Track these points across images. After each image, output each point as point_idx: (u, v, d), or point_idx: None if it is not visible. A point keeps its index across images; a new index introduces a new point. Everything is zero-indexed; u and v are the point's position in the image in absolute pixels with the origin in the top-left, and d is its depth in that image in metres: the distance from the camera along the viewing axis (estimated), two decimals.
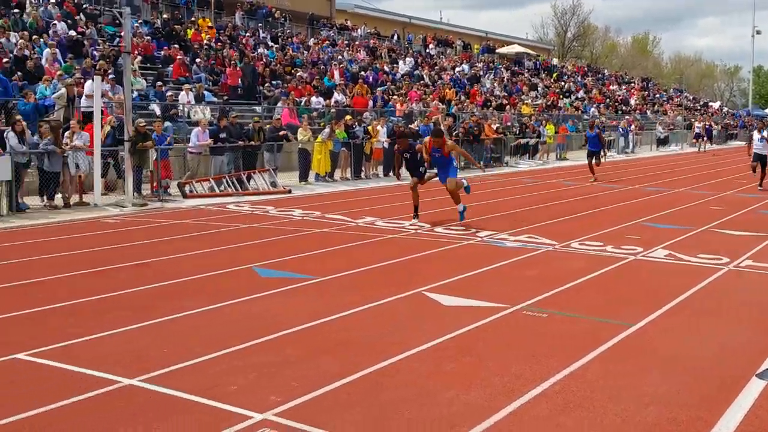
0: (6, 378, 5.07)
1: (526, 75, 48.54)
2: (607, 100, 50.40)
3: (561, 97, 45.57)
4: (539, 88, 45.48)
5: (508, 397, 4.79)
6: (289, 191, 17.49)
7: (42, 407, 4.54)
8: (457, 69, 41.29)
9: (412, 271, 8.80)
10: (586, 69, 60.15)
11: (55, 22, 23.63)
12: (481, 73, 43.42)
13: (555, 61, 62.03)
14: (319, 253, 9.85)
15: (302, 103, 25.61)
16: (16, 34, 21.24)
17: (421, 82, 35.57)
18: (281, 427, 4.28)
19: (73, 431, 4.26)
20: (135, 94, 18.20)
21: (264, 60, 29.17)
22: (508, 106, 36.97)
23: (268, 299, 7.32)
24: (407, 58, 39.25)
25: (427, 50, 45.33)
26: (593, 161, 21.22)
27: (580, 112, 43.18)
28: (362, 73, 32.76)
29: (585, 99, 47.60)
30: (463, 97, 35.35)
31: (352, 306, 7.00)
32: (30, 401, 4.63)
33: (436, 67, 40.77)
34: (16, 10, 23.28)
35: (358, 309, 6.92)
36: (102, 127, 15.16)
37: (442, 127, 18.80)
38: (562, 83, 49.71)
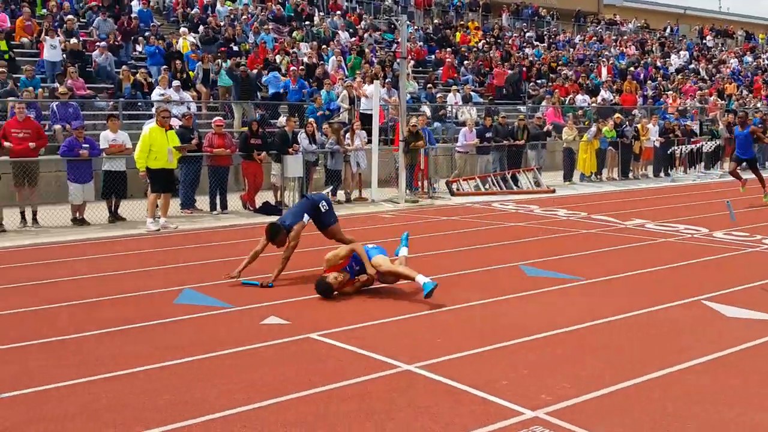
0: (300, 356, 5.63)
1: None
2: None
3: None
4: None
5: None
6: (553, 191, 17.35)
7: (331, 384, 5.01)
8: (734, 61, 37.81)
9: (688, 277, 8.33)
10: None
11: (339, 31, 25.75)
12: None
13: None
14: (586, 254, 9.69)
15: (567, 102, 25.22)
16: (306, 44, 23.50)
17: (697, 76, 33.16)
18: (553, 427, 4.31)
19: (356, 408, 4.63)
20: (408, 96, 19.22)
21: (530, 59, 29.16)
22: None
23: (536, 298, 7.38)
24: (681, 52, 36.78)
25: (704, 42, 42.10)
26: (741, 173, 15.18)
27: None
28: (631, 68, 31.38)
29: None
30: (745, 92, 32.35)
31: (624, 310, 6.81)
32: (321, 377, 5.13)
33: (714, 60, 37.72)
34: (306, 23, 25.77)
35: (631, 314, 6.72)
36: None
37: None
38: None
